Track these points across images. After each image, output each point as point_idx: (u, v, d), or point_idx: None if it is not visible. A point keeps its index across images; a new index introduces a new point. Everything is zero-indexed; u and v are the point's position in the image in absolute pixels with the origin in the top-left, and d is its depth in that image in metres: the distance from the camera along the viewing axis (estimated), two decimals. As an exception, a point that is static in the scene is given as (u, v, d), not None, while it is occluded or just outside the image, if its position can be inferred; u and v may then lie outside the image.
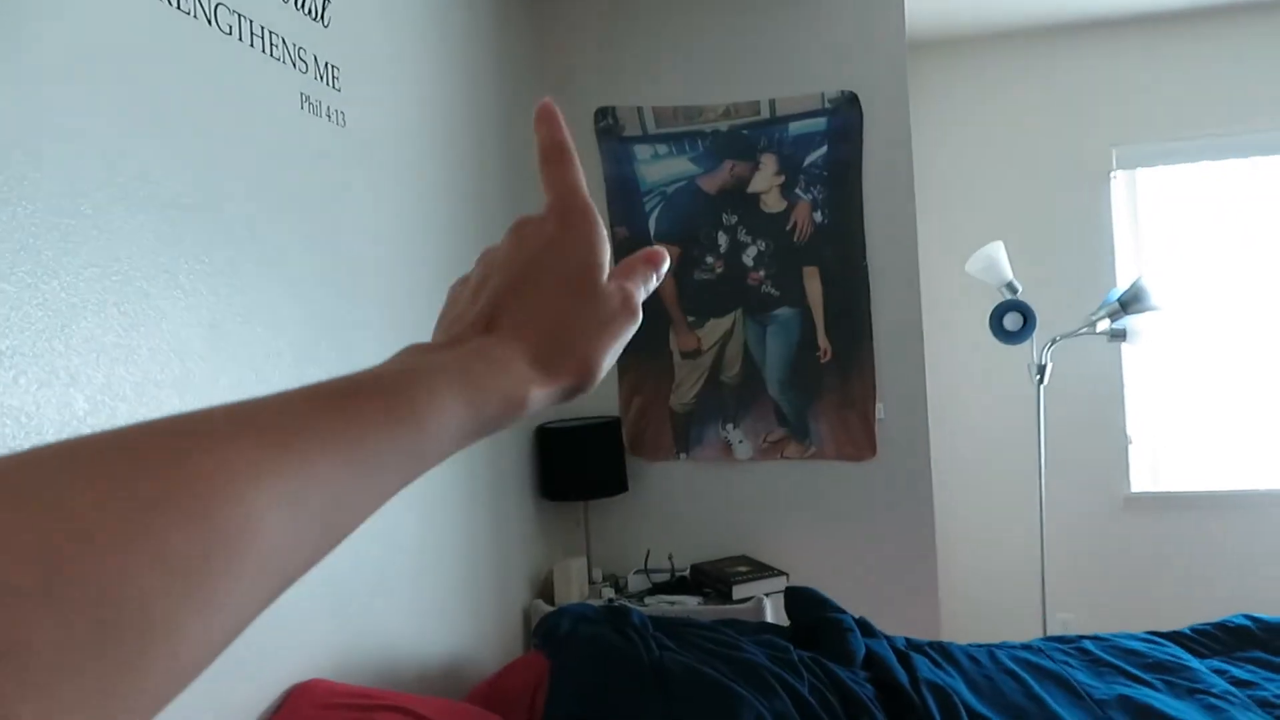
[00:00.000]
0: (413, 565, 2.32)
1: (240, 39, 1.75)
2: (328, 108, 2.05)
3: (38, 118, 1.33)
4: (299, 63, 1.95)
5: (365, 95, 2.21)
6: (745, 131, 3.25)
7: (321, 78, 2.03)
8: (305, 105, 1.97)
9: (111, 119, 1.45)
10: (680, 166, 3.30)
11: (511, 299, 0.47)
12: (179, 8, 1.59)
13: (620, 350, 0.49)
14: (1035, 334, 3.28)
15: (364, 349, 2.16)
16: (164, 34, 1.57)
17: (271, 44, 1.85)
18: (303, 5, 1.96)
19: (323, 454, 0.33)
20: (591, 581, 3.20)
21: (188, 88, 1.62)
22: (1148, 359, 3.86)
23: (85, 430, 1.39)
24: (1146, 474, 3.89)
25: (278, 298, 1.86)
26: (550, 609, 2.50)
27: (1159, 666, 2.42)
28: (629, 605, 2.50)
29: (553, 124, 0.51)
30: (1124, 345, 3.54)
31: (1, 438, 1.27)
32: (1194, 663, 2.44)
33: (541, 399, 0.44)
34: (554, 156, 0.50)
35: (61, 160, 1.37)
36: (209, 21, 1.67)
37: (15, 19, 1.30)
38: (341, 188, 2.11)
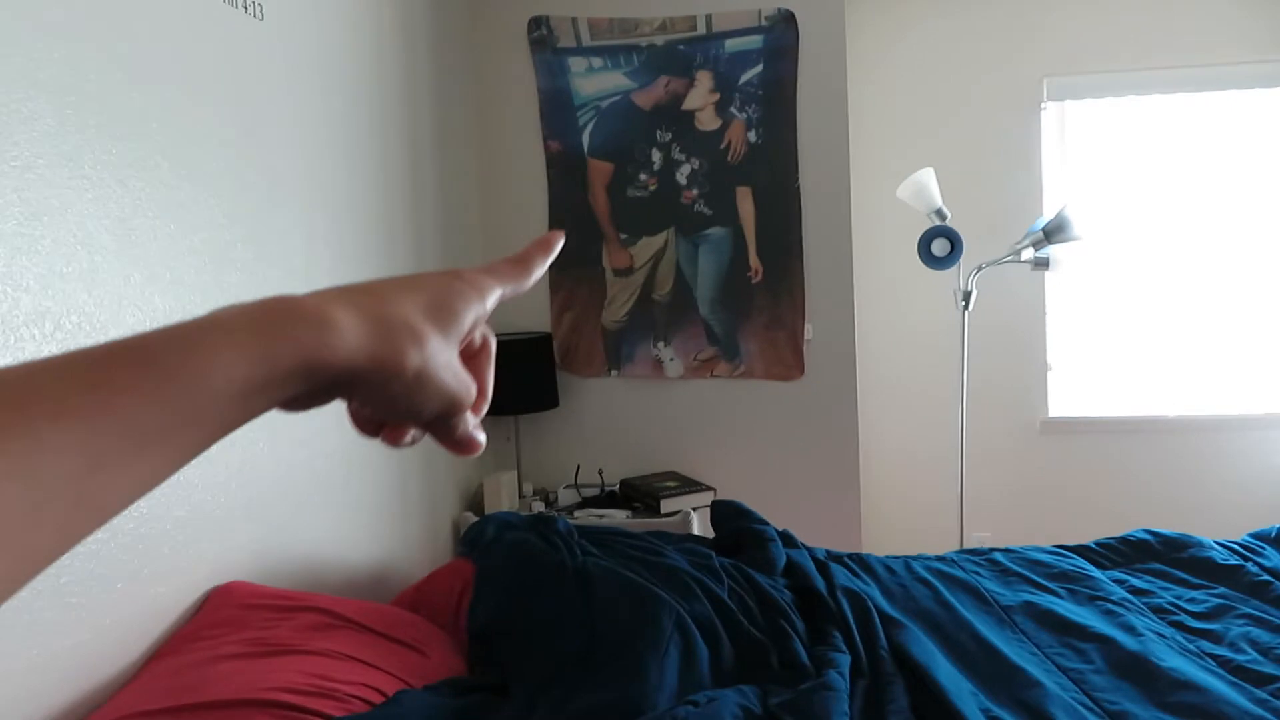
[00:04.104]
0: (338, 474, 2.31)
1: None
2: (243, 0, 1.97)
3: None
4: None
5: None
6: (681, 47, 3.21)
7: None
8: (220, -6, 1.88)
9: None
10: (615, 81, 3.25)
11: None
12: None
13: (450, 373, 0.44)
14: (962, 260, 3.34)
15: (282, 254, 2.11)
16: None
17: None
18: (216, -113, 1.87)
19: (54, 424, 0.30)
20: (522, 496, 3.22)
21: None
22: (1068, 288, 3.95)
23: (-14, 321, 1.34)
24: (1063, 400, 4.01)
25: (192, 195, 1.80)
26: (478, 520, 2.52)
27: (1063, 576, 2.53)
28: (554, 514, 2.52)
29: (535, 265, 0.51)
30: (1046, 274, 3.63)
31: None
32: (1096, 573, 2.55)
33: (353, 352, 0.39)
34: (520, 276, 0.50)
35: None
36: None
37: None
38: (259, 85, 2.04)
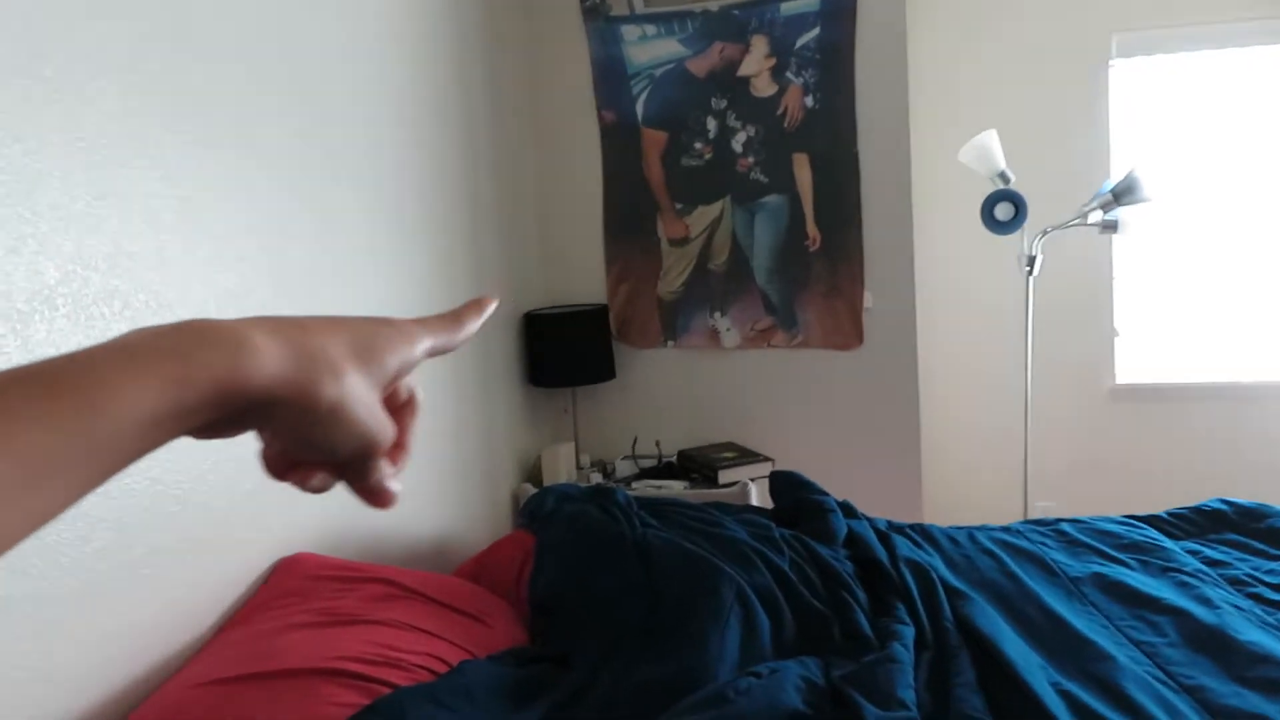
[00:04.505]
0: (399, 447, 2.33)
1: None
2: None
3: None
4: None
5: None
6: (736, 12, 3.15)
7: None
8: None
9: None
10: (669, 48, 3.20)
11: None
12: None
13: (364, 423, 0.43)
14: (1026, 224, 3.25)
15: (344, 229, 2.13)
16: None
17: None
18: None
19: None
20: (580, 467, 3.23)
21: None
22: (1137, 251, 3.83)
23: (58, 300, 1.37)
24: (1132, 366, 3.90)
25: (255, 173, 1.82)
26: (537, 491, 2.53)
27: (1134, 547, 2.47)
28: (613, 486, 2.53)
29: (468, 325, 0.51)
30: (1114, 237, 3.52)
31: (-30, 303, 1.25)
32: (1168, 544, 2.48)
33: (269, 378, 0.38)
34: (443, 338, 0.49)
35: (16, 22, 1.31)
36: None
37: None
38: (317, 62, 2.05)
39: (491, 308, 0.53)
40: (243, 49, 1.80)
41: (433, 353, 0.49)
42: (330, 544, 1.99)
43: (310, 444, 0.42)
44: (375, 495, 0.46)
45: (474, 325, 0.52)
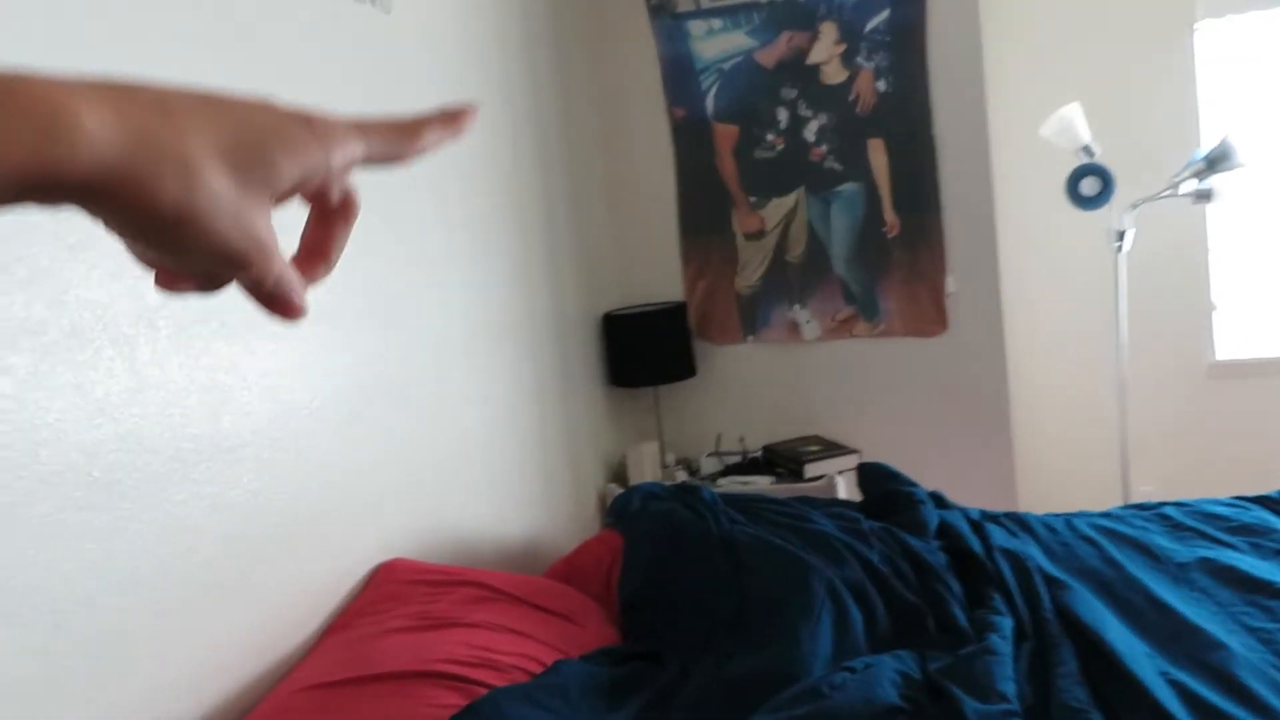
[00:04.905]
0: (487, 454, 2.37)
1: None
2: (371, -7, 2.02)
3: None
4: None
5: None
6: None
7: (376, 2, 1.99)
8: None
9: (128, 7, 1.45)
10: (736, 41, 3.19)
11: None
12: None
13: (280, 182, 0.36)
14: (1114, 198, 3.14)
15: (422, 238, 2.17)
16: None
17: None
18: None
19: None
20: (664, 465, 3.24)
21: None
22: (1234, 221, 3.67)
23: (162, 323, 1.43)
24: (1232, 341, 3.74)
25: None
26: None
27: (1244, 529, 2.37)
28: (699, 484, 2.53)
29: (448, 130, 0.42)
30: (1209, 207, 3.37)
31: (81, 328, 1.31)
32: (1281, 525, 2.38)
33: (91, 168, 0.30)
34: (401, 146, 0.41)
35: (76, 58, 1.37)
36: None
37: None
38: (389, 74, 2.09)
39: (470, 122, 0.44)
40: (322, 68, 1.85)
41: (372, 160, 0.41)
42: (423, 549, 2.04)
43: (157, 252, 0.35)
44: (272, 304, 0.38)
45: (434, 141, 0.43)
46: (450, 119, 0.43)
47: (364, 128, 0.40)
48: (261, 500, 1.61)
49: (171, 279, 0.38)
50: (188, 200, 0.33)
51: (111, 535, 1.34)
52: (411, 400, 2.08)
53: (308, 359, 1.77)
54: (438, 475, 2.15)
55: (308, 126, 0.37)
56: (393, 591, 1.76)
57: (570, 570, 2.14)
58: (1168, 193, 3.21)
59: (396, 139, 0.41)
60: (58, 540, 1.27)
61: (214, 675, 1.49)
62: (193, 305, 1.49)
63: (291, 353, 1.73)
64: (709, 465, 3.20)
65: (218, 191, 0.34)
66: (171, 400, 1.46)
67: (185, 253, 0.34)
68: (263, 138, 0.36)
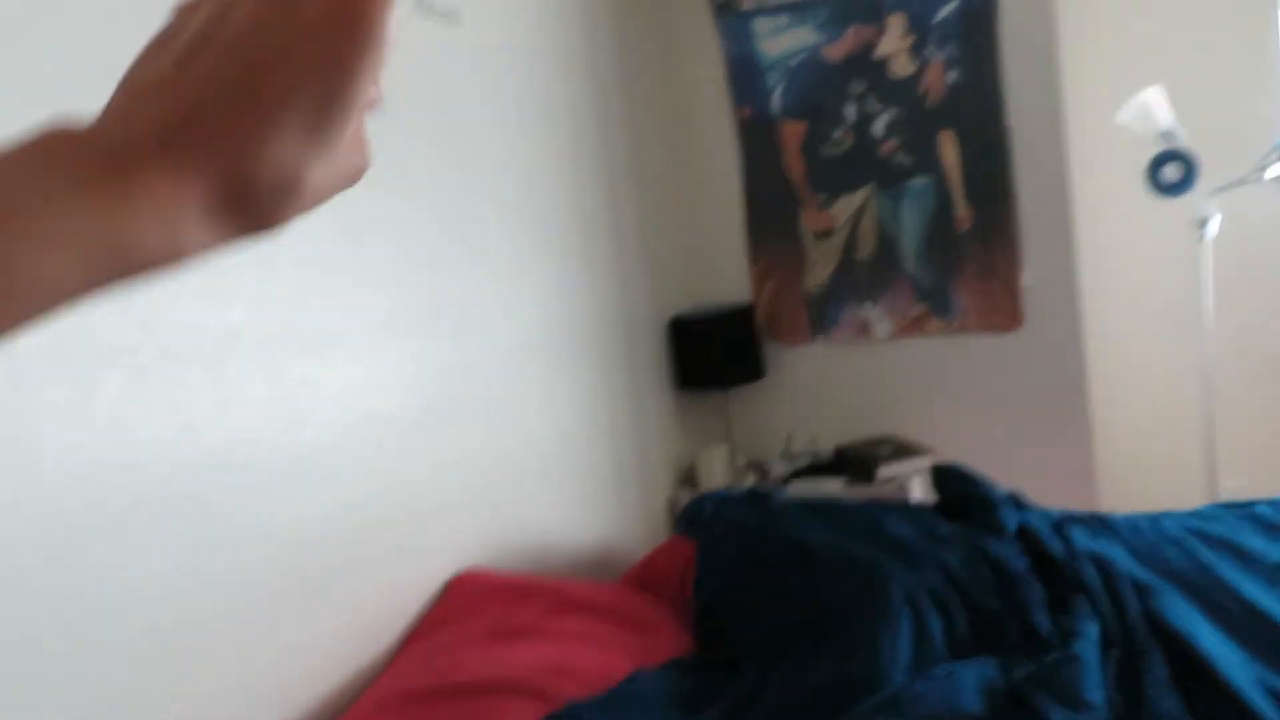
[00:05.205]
0: (557, 461, 2.39)
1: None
2: (440, 5, 2.04)
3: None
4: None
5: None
6: (869, -8, 3.07)
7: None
8: (416, 3, 1.96)
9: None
10: (802, 37, 3.15)
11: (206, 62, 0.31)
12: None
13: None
14: (1198, 185, 3.04)
15: (491, 245, 2.20)
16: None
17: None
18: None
19: None
20: (735, 469, 3.23)
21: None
22: (1329, 204, 3.53)
23: (246, 341, 1.47)
24: (1327, 329, 3.59)
25: (404, 200, 1.90)
26: (694, 496, 2.55)
27: (1341, 528, 2.27)
28: (771, 489, 2.51)
29: None
30: (1299, 191, 3.24)
31: (174, 351, 1.36)
32: (1382, 524, 2.28)
33: (205, 247, 0.31)
34: None
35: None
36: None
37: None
38: (456, 88, 2.12)
39: None
40: (393, 84, 1.87)
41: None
42: (498, 557, 2.06)
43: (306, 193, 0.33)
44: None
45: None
46: None
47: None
48: (340, 510, 1.65)
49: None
50: (303, 210, 0.32)
51: (199, 548, 1.38)
52: (482, 409, 2.10)
53: (382, 371, 1.80)
54: (509, 482, 2.17)
55: (336, 22, 0.31)
56: (469, 602, 1.79)
57: (644, 578, 2.14)
58: (1253, 178, 3.10)
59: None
60: (151, 552, 1.31)
61: (297, 685, 1.53)
62: (274, 323, 1.53)
63: (367, 366, 1.76)
64: (780, 468, 3.17)
65: (320, 177, 0.32)
66: (255, 416, 1.50)
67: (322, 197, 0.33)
68: (332, 102, 0.31)
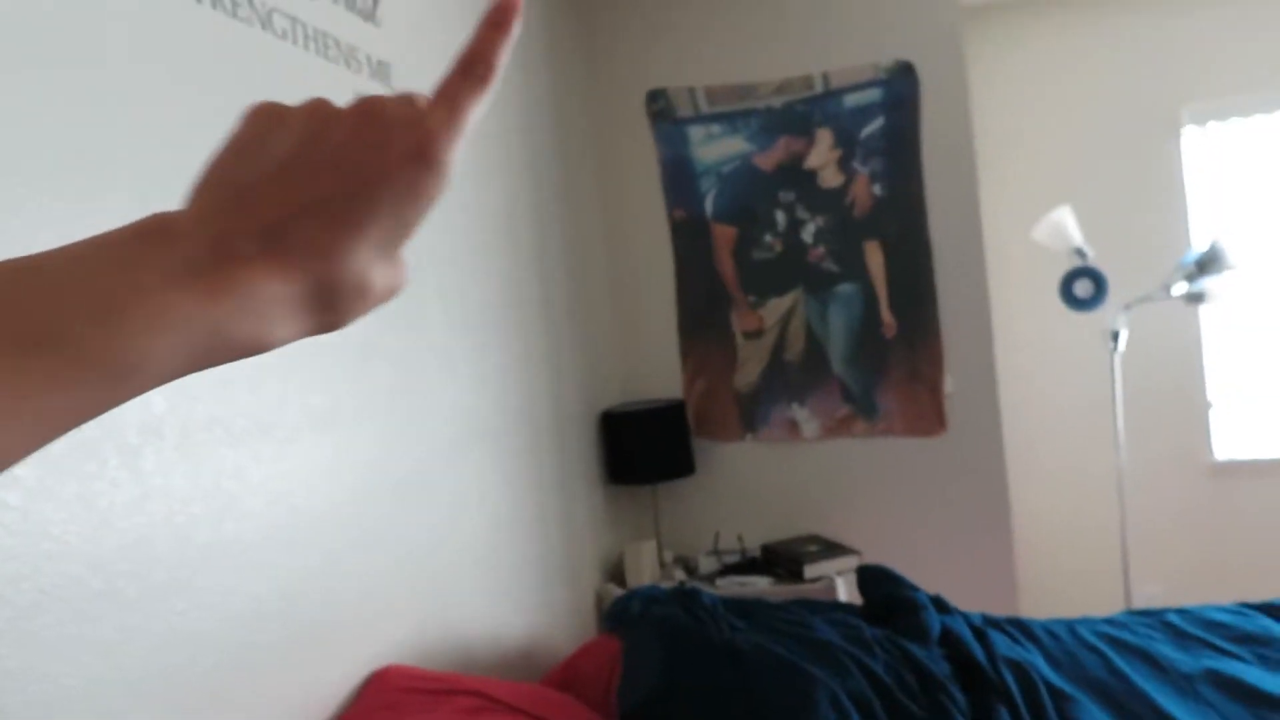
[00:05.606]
0: (485, 553, 2.35)
1: (295, 43, 1.79)
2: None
3: (110, 126, 1.37)
4: (352, 62, 1.98)
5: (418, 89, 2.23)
6: (799, 107, 3.21)
7: (375, 75, 2.06)
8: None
9: (174, 126, 1.49)
10: (735, 146, 3.27)
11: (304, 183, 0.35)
12: (236, 16, 1.63)
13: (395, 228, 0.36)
14: (1108, 300, 3.19)
15: (427, 341, 2.20)
16: (222, 42, 1.60)
17: (325, 46, 1.88)
18: (354, 6, 1.99)
19: None
20: (662, 564, 3.21)
21: (245, 92, 1.66)
22: (1227, 321, 3.73)
23: (167, 431, 1.43)
24: (1232, 440, 3.76)
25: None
26: (621, 592, 2.52)
27: (1248, 638, 2.34)
28: (699, 587, 2.50)
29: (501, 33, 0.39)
30: (1201, 308, 3.43)
31: (88, 439, 1.32)
32: (1286, 633, 2.36)
33: (288, 339, 0.35)
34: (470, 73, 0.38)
35: (135, 165, 1.41)
36: (263, 27, 1.70)
37: (93, 29, 1.34)
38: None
39: (514, 14, 0.40)
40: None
41: (470, 108, 0.39)
42: (422, 653, 2.01)
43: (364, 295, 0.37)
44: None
45: (496, 45, 0.39)
46: (496, 20, 0.39)
47: (449, 98, 0.38)
48: (264, 606, 1.59)
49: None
50: (366, 310, 0.36)
51: (113, 647, 1.32)
52: (411, 501, 2.07)
53: (310, 463, 1.77)
54: (435, 576, 2.13)
55: (428, 163, 0.36)
56: (388, 700, 1.73)
57: (569, 677, 2.10)
58: (1160, 295, 3.27)
59: (469, 80, 0.39)
60: (59, 653, 1.25)
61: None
62: (198, 413, 1.50)
63: (295, 457, 1.73)
64: (707, 564, 3.17)
65: (383, 277, 0.36)
66: (176, 509, 1.46)
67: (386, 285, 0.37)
68: (406, 209, 0.36)
